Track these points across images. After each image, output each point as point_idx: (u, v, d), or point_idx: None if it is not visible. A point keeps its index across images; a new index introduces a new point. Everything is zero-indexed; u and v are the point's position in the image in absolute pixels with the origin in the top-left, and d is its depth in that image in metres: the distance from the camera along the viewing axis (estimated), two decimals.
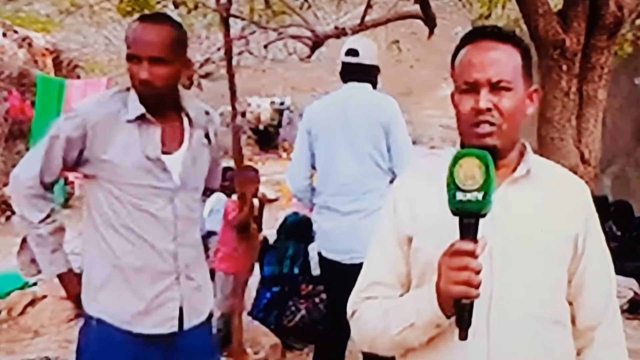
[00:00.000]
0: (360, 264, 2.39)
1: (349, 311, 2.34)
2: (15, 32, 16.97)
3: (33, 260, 3.48)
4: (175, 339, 3.40)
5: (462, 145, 2.25)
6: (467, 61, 2.18)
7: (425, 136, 28.35)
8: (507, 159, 2.22)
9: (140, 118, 3.26)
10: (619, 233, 9.96)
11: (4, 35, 16.42)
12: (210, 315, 3.63)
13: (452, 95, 2.28)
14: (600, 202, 10.42)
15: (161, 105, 3.30)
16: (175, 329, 3.38)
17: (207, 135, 3.48)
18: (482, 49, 2.18)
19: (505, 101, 2.13)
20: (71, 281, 3.46)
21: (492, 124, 2.12)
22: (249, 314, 6.95)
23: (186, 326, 3.41)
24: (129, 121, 3.25)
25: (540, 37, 4.70)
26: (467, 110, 2.15)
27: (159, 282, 3.34)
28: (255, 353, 6.40)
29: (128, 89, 3.33)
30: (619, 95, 10.88)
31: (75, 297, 3.44)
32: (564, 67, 4.73)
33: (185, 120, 3.40)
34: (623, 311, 8.65)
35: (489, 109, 2.11)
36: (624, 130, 11.98)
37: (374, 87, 5.25)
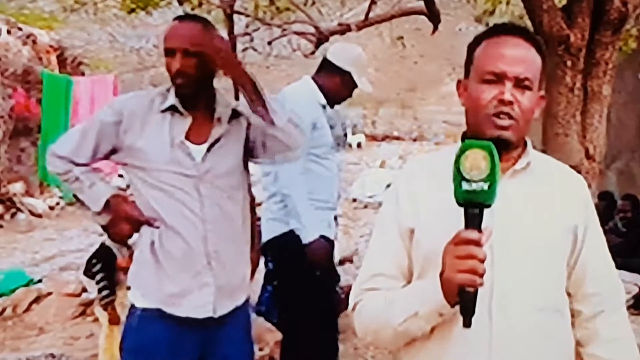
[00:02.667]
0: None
1: (350, 304, 2.37)
2: (20, 29, 16.97)
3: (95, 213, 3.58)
4: (210, 324, 3.49)
5: (464, 137, 2.30)
6: (497, 52, 2.21)
7: (429, 132, 28.34)
8: (510, 154, 2.25)
9: (172, 109, 3.42)
10: (624, 229, 9.95)
11: (8, 32, 16.42)
12: (247, 301, 3.72)
13: (460, 84, 2.33)
14: (605, 198, 10.37)
15: (195, 100, 3.44)
16: (210, 313, 3.47)
17: (238, 133, 3.56)
18: (513, 44, 2.22)
19: (525, 99, 2.19)
20: (120, 204, 3.52)
21: (511, 117, 2.17)
22: (252, 309, 6.95)
23: (221, 311, 3.51)
24: (161, 111, 3.43)
25: (545, 32, 4.70)
26: (488, 99, 2.18)
27: (190, 267, 3.44)
28: (260, 349, 6.40)
29: (169, 90, 3.50)
30: (624, 90, 10.87)
31: (133, 216, 3.50)
32: (569, 63, 4.72)
33: (216, 122, 3.49)
34: (628, 307, 8.65)
35: (511, 102, 2.16)
36: (628, 126, 11.96)
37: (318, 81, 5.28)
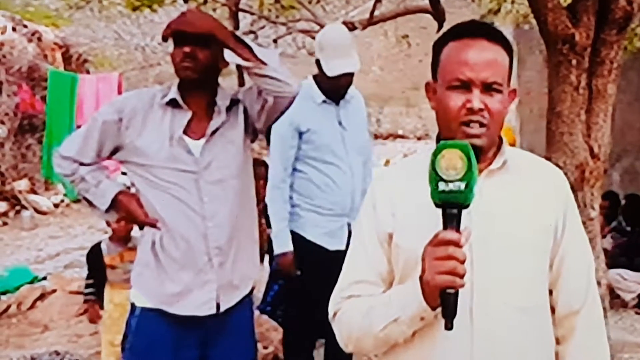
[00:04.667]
0: None
1: (330, 312, 2.33)
2: (25, 26, 17.00)
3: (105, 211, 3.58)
4: (212, 319, 3.49)
5: (438, 138, 2.26)
6: (462, 58, 2.16)
7: (434, 131, 28.35)
8: (485, 155, 2.22)
9: (172, 103, 3.43)
10: (628, 228, 9.94)
11: (14, 29, 16.45)
12: (250, 293, 3.71)
13: (429, 86, 2.30)
14: (610, 197, 10.35)
15: (197, 92, 3.46)
16: (213, 311, 3.48)
17: (236, 120, 3.57)
18: (478, 48, 2.16)
19: (495, 102, 2.15)
20: (126, 201, 3.51)
21: (482, 125, 2.14)
22: (257, 308, 6.95)
23: (225, 306, 3.51)
24: (162, 105, 3.44)
25: (550, 31, 4.69)
26: (457, 107, 2.14)
27: (191, 265, 3.44)
28: (265, 347, 6.40)
29: (170, 87, 3.52)
30: (629, 90, 10.85)
31: (136, 215, 3.50)
32: (574, 62, 4.71)
33: (216, 114, 3.50)
34: (632, 306, 8.65)
35: (480, 109, 2.12)
36: (633, 125, 11.94)
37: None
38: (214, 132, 3.45)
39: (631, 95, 11.43)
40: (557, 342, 2.32)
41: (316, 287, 4.56)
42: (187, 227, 3.42)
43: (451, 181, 1.89)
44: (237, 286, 3.56)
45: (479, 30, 2.22)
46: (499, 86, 2.15)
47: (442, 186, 1.90)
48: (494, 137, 2.20)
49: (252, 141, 3.68)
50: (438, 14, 8.27)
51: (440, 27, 8.48)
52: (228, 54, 3.38)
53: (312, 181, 4.94)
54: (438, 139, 2.27)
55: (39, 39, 17.08)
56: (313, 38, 8.62)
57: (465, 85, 2.14)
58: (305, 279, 4.98)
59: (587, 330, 2.32)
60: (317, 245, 4.99)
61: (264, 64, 3.33)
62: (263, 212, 6.75)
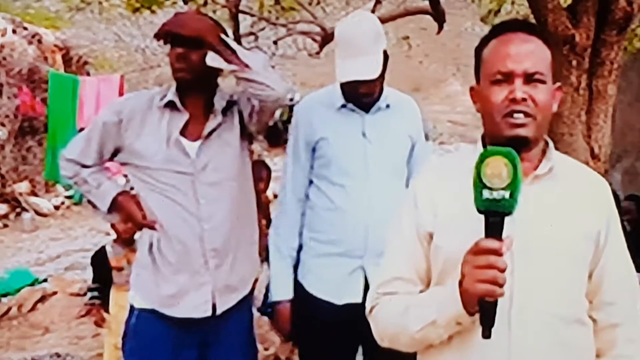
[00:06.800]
0: None
1: (367, 307, 2.34)
2: (25, 28, 16.97)
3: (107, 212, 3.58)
4: (210, 322, 3.49)
5: (484, 141, 2.26)
6: (502, 52, 2.16)
7: (434, 132, 28.29)
8: (531, 154, 2.20)
9: (170, 105, 3.43)
10: (629, 228, 9.93)
11: (14, 31, 16.43)
12: (248, 296, 3.69)
13: (473, 91, 2.29)
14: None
15: (194, 94, 3.45)
16: (209, 313, 3.47)
17: (232, 121, 3.56)
18: (518, 40, 2.17)
19: (539, 93, 2.13)
20: (125, 202, 3.51)
21: (527, 115, 2.11)
22: (258, 309, 6.95)
23: (222, 308, 3.51)
24: (160, 107, 3.44)
25: (550, 32, 4.70)
26: (500, 100, 2.13)
27: (187, 267, 3.44)
28: (265, 349, 6.40)
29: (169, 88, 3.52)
30: (629, 90, 10.84)
31: (135, 216, 3.50)
32: (574, 63, 4.72)
33: (212, 115, 3.49)
34: None
35: (524, 99, 2.10)
36: (633, 126, 11.94)
37: None
38: (210, 134, 3.45)
39: (631, 96, 11.43)
40: (597, 354, 2.27)
41: (322, 349, 3.79)
42: (183, 229, 3.42)
43: (495, 189, 1.87)
44: (235, 288, 3.56)
45: (517, 24, 2.23)
46: (542, 76, 2.14)
47: (486, 194, 1.88)
48: (540, 130, 2.18)
49: (250, 143, 3.68)
50: (438, 15, 8.28)
51: (440, 28, 8.48)
52: (210, 58, 3.36)
53: (314, 208, 3.79)
54: (483, 141, 2.27)
55: (39, 41, 17.05)
56: (313, 39, 8.64)
57: (508, 78, 2.13)
58: (309, 338, 3.89)
59: (627, 344, 2.26)
60: (320, 299, 3.75)
61: (248, 67, 3.31)
62: (265, 213, 6.76)
